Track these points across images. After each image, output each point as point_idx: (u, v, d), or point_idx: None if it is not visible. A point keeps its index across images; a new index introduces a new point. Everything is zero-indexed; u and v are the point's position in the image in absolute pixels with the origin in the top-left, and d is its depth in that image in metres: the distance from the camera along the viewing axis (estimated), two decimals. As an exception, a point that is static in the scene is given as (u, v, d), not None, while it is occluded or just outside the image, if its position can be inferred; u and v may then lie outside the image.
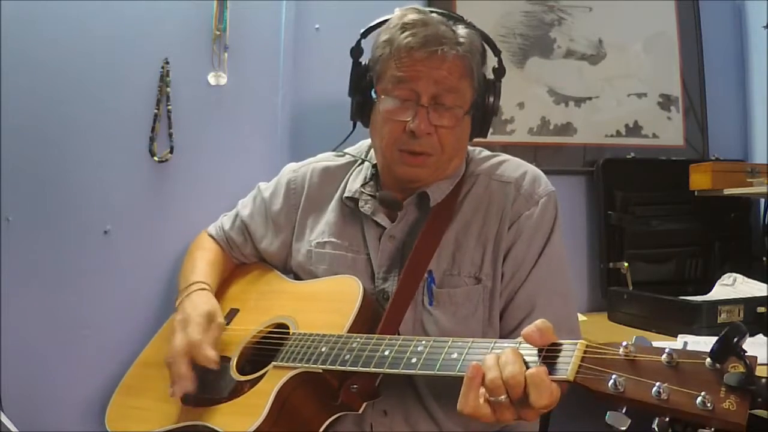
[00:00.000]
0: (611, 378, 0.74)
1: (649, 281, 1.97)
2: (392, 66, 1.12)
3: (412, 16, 1.13)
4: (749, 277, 1.82)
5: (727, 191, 1.83)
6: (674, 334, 1.54)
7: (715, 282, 1.87)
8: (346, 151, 1.36)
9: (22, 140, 1.61)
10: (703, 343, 1.44)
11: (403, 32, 1.11)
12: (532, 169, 1.23)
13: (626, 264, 1.93)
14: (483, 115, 1.21)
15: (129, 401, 1.30)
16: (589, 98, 2.04)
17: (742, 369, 0.69)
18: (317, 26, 1.83)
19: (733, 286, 1.81)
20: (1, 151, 1.59)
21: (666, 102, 2.09)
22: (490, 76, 1.22)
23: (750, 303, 1.64)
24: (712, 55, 2.13)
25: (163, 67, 1.69)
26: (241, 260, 1.44)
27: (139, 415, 1.23)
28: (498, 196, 1.19)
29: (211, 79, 1.73)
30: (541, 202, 1.18)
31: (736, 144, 2.15)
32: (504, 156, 1.27)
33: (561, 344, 0.82)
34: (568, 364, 0.79)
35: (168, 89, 1.69)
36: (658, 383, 0.72)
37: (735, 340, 0.69)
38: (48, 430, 1.59)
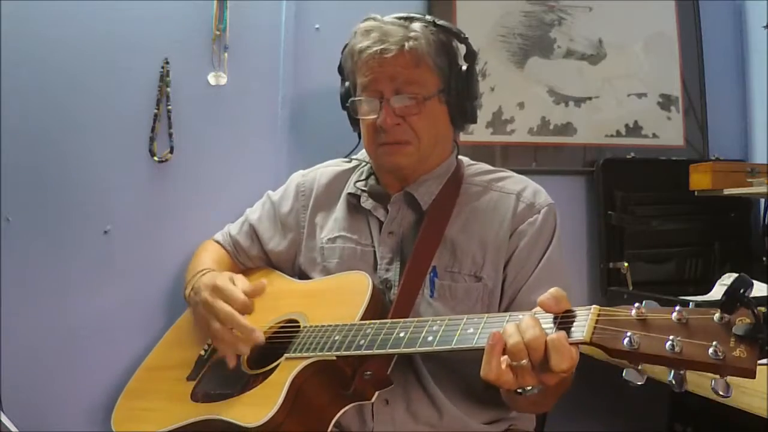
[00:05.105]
0: (626, 336, 0.78)
1: (649, 281, 1.96)
2: (359, 74, 1.24)
3: (365, 24, 1.22)
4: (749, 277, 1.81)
5: (727, 191, 1.82)
6: (674, 334, 1.54)
7: (715, 282, 1.86)
8: (353, 157, 1.42)
9: (22, 140, 1.61)
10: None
11: (358, 39, 1.22)
12: (532, 184, 1.30)
13: (626, 264, 1.93)
14: (458, 100, 1.25)
15: (136, 404, 1.30)
16: (589, 98, 2.04)
17: (749, 320, 0.73)
18: (317, 26, 1.83)
19: (733, 286, 1.81)
20: (1, 151, 1.59)
21: (666, 102, 2.09)
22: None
23: (750, 303, 1.63)
24: (712, 55, 2.12)
25: (163, 67, 1.69)
26: (247, 265, 1.46)
27: (148, 416, 1.23)
28: (498, 206, 1.25)
29: (211, 79, 1.73)
30: (543, 211, 1.25)
31: (736, 144, 2.14)
32: (507, 172, 1.34)
33: (574, 311, 0.86)
34: (583, 326, 0.83)
35: (168, 89, 1.69)
36: (671, 337, 0.76)
37: (742, 290, 0.74)
38: (48, 431, 1.59)
